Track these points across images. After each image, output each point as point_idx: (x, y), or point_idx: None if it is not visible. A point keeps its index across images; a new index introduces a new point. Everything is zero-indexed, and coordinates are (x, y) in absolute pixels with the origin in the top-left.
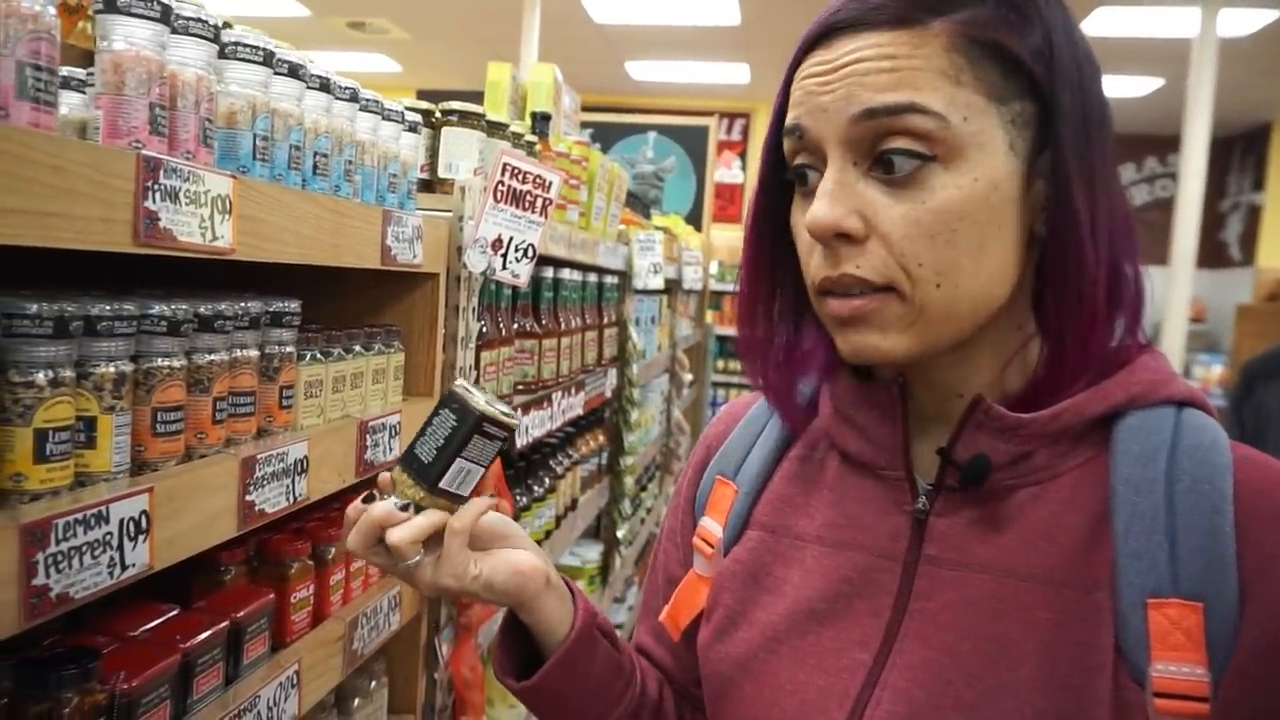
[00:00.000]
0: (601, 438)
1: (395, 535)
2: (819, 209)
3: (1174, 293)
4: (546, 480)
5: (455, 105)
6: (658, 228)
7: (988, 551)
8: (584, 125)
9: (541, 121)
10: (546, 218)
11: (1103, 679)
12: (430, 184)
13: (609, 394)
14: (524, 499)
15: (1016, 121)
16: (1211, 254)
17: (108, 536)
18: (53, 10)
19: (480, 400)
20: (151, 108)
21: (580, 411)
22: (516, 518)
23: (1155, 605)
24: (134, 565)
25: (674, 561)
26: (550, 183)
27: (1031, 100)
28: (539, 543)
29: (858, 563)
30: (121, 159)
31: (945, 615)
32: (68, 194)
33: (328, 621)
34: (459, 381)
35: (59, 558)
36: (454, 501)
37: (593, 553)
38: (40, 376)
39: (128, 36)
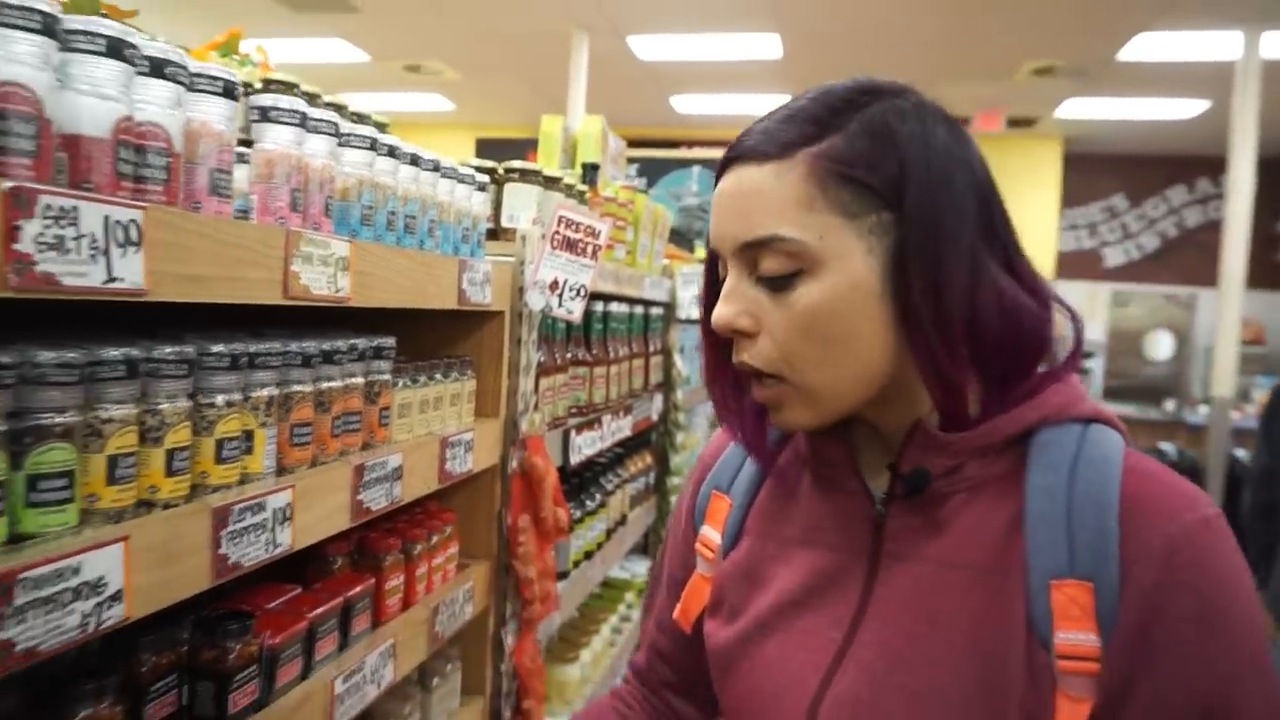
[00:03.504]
0: (649, 459)
1: None
2: (718, 310)
3: (1224, 315)
4: (598, 496)
5: (516, 164)
6: (700, 260)
7: (931, 547)
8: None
9: (591, 171)
10: (596, 261)
11: (1018, 646)
12: (495, 232)
13: (655, 418)
14: (578, 512)
15: (874, 230)
16: (1270, 275)
17: (265, 521)
18: (233, 127)
19: None
20: (292, 192)
21: (629, 433)
22: (570, 529)
23: (1057, 585)
24: (281, 544)
25: (676, 565)
26: (600, 231)
27: (890, 209)
28: (589, 554)
29: (831, 560)
30: (276, 234)
31: (900, 600)
32: (244, 263)
33: (415, 606)
34: None
35: (235, 535)
36: None
37: (641, 567)
38: (219, 399)
39: (275, 139)
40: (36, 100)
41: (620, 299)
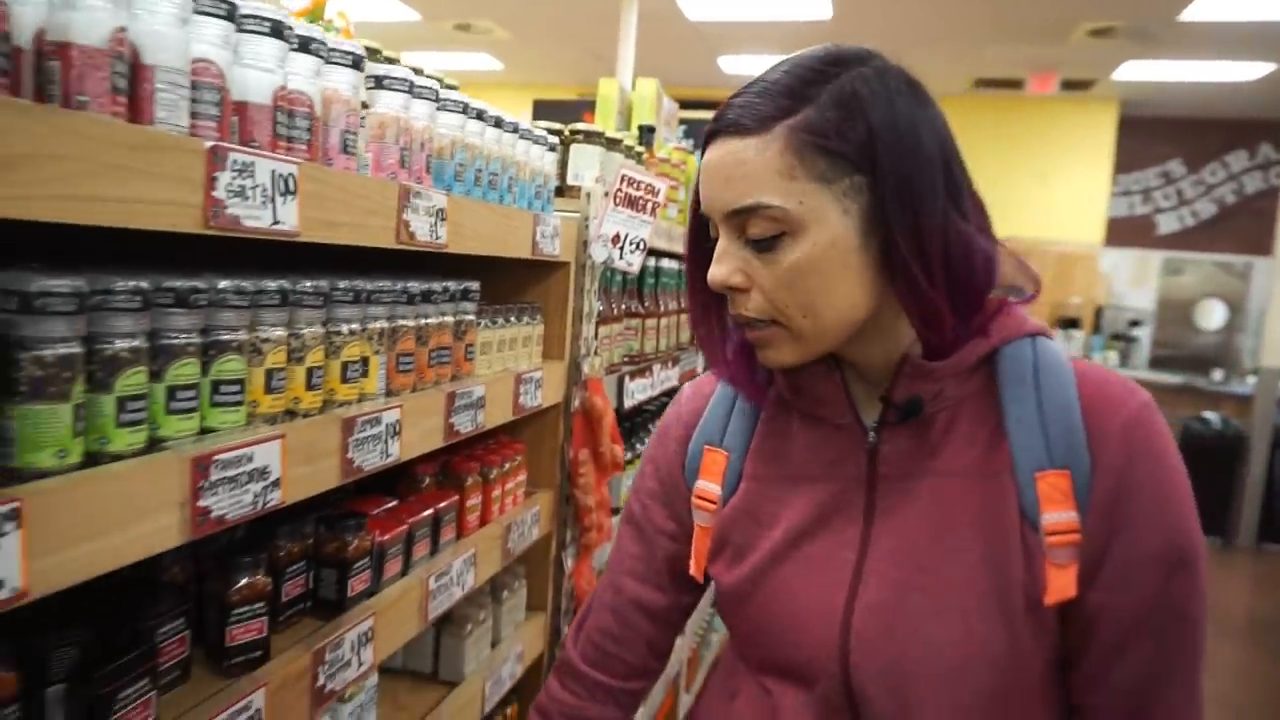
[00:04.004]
0: None
1: None
2: (714, 270)
3: (1278, 283)
4: (646, 440)
5: (580, 126)
6: None
7: (925, 463)
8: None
9: (647, 133)
10: (655, 217)
11: (1013, 533)
12: (561, 190)
13: (699, 370)
14: (628, 454)
15: (848, 193)
16: None
17: (380, 433)
18: (359, 94)
19: None
20: (400, 150)
21: (675, 383)
22: (622, 467)
23: (1040, 476)
24: (392, 454)
25: (660, 518)
26: (659, 189)
27: (862, 172)
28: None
29: (832, 490)
30: (392, 188)
31: (903, 513)
32: (368, 211)
33: (491, 524)
34: None
35: (359, 442)
36: None
37: None
38: (344, 328)
39: (387, 104)
40: (220, 73)
41: (671, 255)
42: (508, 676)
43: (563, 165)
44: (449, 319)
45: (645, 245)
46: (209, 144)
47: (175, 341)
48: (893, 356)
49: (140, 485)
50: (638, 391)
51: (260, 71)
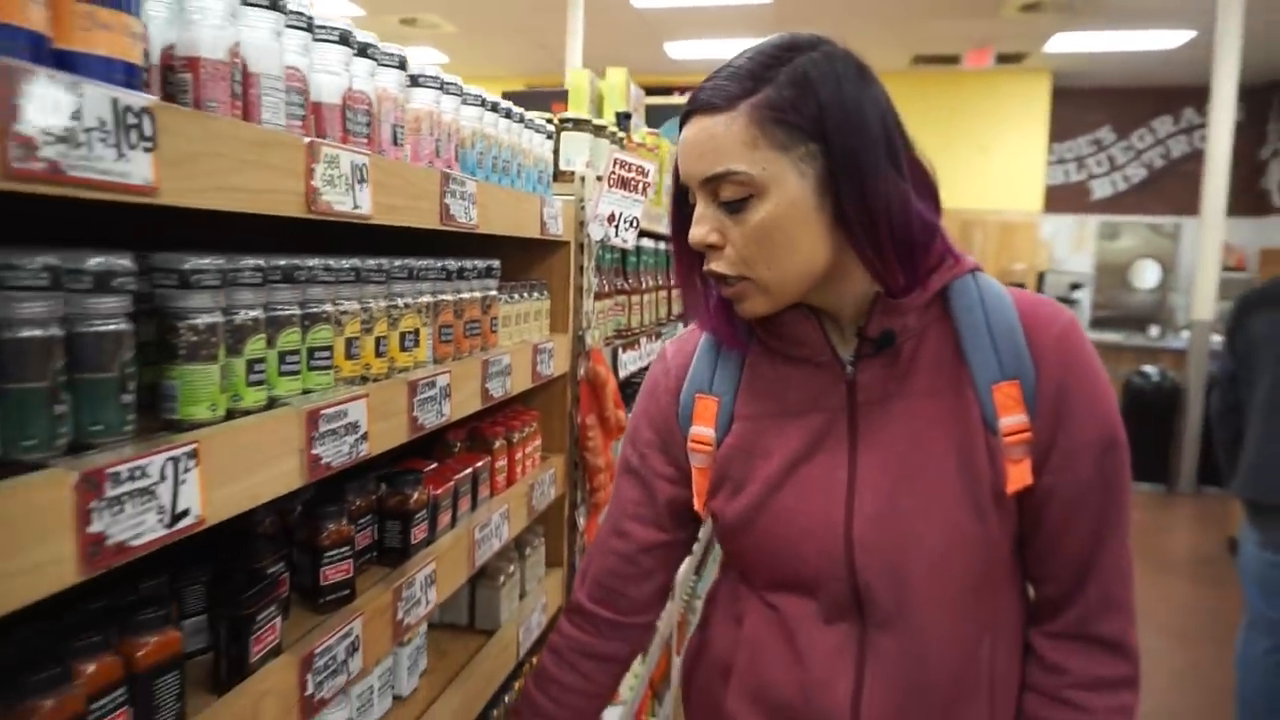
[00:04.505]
0: None
1: None
2: (693, 231)
3: (1205, 241)
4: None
5: (571, 115)
6: None
7: (898, 386)
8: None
9: (624, 119)
10: (646, 196)
11: (978, 437)
12: (556, 175)
13: None
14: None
15: (804, 159)
16: (1254, 202)
17: (435, 395)
18: (404, 93)
19: None
20: (435, 141)
21: None
22: (622, 429)
23: (996, 388)
24: (444, 415)
25: (659, 464)
26: (648, 170)
27: (815, 141)
28: None
29: (818, 420)
30: (435, 176)
31: (883, 432)
32: (418, 196)
33: (517, 483)
34: None
35: (421, 403)
36: None
37: None
38: (400, 302)
39: (421, 99)
40: (304, 78)
41: (650, 235)
42: (535, 625)
43: (555, 152)
44: (478, 294)
45: (638, 223)
46: (306, 140)
47: (283, 312)
48: (860, 300)
49: (271, 434)
50: (629, 363)
51: (332, 75)
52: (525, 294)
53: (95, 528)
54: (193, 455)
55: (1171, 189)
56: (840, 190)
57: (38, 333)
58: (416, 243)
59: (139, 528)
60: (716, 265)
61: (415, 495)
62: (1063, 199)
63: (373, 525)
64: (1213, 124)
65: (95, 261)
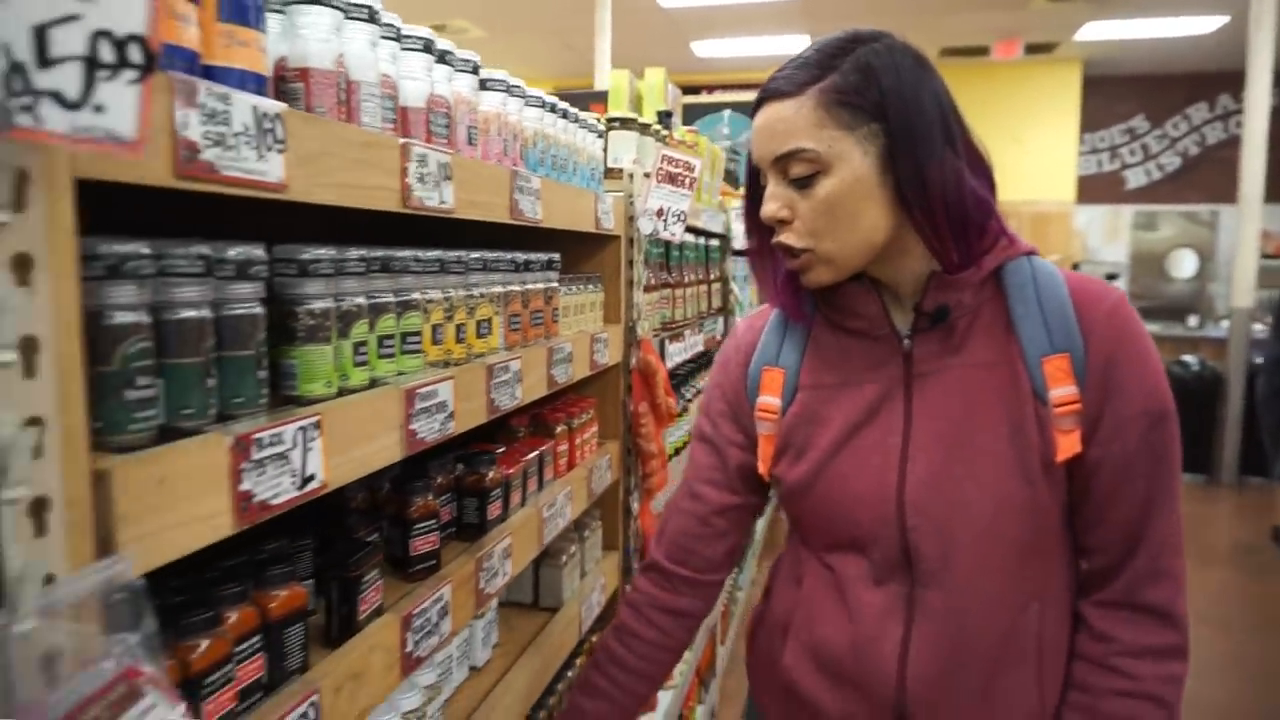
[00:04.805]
0: None
1: None
2: (765, 207)
3: (1243, 229)
4: (680, 403)
5: (618, 115)
6: None
7: (952, 358)
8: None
9: (665, 118)
10: (692, 191)
11: (1028, 407)
12: (605, 172)
13: (719, 338)
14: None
15: (868, 137)
16: None
17: (509, 379)
18: (476, 97)
19: None
20: (503, 141)
21: (702, 348)
22: (675, 417)
23: (1046, 360)
24: (517, 398)
25: (730, 431)
26: (695, 165)
27: (878, 121)
28: (678, 450)
29: (876, 390)
30: (506, 173)
31: (936, 401)
32: (492, 192)
33: (578, 467)
34: None
35: (497, 386)
36: None
37: None
38: (476, 291)
39: (489, 102)
40: (394, 84)
41: (690, 230)
42: (595, 604)
43: (604, 150)
44: (541, 286)
45: (685, 217)
46: (401, 140)
47: (381, 300)
48: (918, 275)
49: (378, 410)
50: (676, 354)
51: (417, 81)
52: (581, 286)
53: (245, 486)
54: (317, 426)
55: (1208, 176)
56: (899, 167)
57: (193, 314)
58: (476, 237)
59: (277, 488)
60: (785, 238)
61: (491, 474)
62: (1096, 189)
63: (452, 503)
64: (1249, 109)
65: (236, 251)
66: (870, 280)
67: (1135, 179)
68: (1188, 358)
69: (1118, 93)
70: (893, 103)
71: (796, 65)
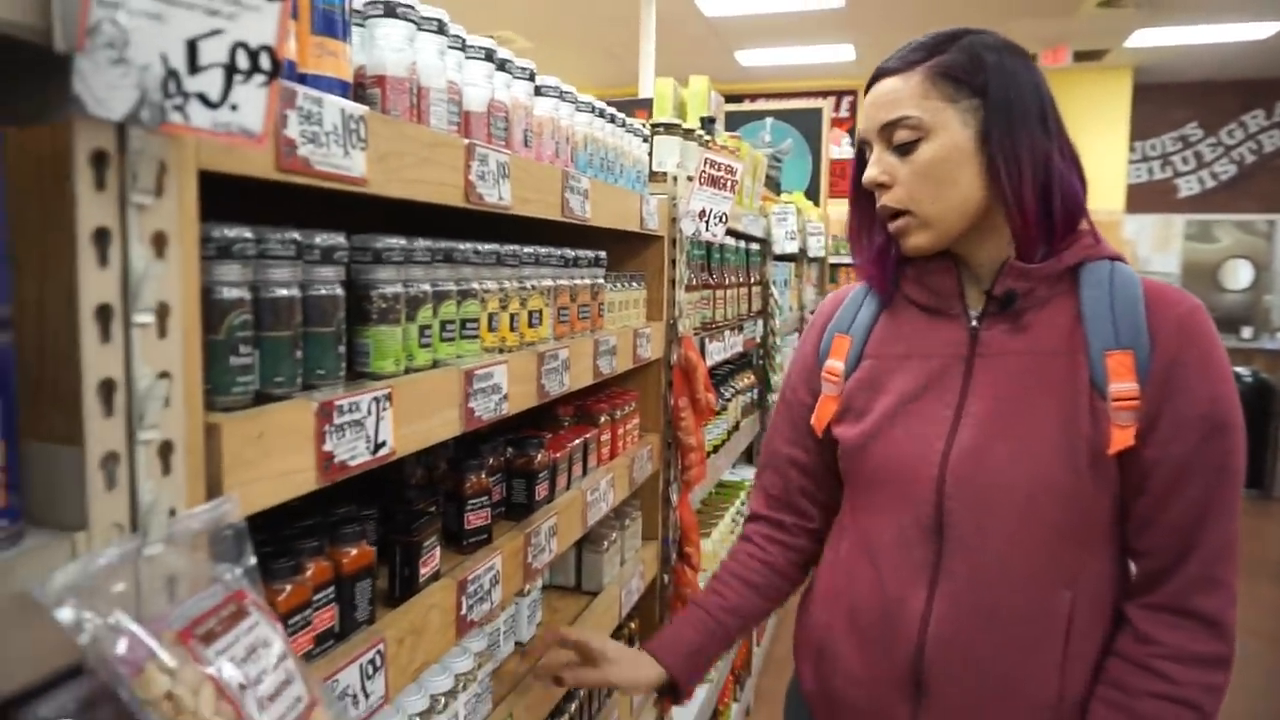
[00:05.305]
0: (752, 378)
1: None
2: (868, 172)
3: None
4: (719, 401)
5: (663, 120)
6: (785, 202)
7: (1016, 343)
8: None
9: (708, 124)
10: (733, 194)
11: (1084, 399)
12: (650, 175)
13: (758, 340)
14: (719, 403)
15: (969, 110)
16: None
17: (558, 367)
18: (531, 100)
19: None
20: (555, 144)
21: (741, 349)
22: (714, 413)
23: (1109, 354)
24: (564, 385)
25: (803, 393)
26: (736, 169)
27: (979, 97)
28: (716, 448)
29: (936, 364)
30: (557, 173)
31: (994, 381)
32: (544, 191)
33: (620, 456)
34: None
35: (547, 372)
36: None
37: (748, 472)
38: (529, 284)
39: (542, 107)
40: (459, 90)
41: (732, 233)
42: (635, 590)
43: (648, 154)
44: (588, 281)
45: (726, 219)
46: (465, 141)
47: (443, 287)
48: (997, 260)
49: (441, 387)
50: (715, 353)
51: (478, 88)
52: (626, 284)
53: (327, 447)
54: (388, 398)
55: (1264, 185)
56: (994, 141)
57: (285, 293)
58: (524, 234)
59: (354, 451)
60: (886, 199)
61: (539, 457)
62: (1146, 198)
63: (502, 483)
64: None
65: (322, 238)
66: (953, 260)
67: (1188, 187)
68: (1241, 369)
69: (1170, 100)
70: (994, 80)
71: (910, 49)
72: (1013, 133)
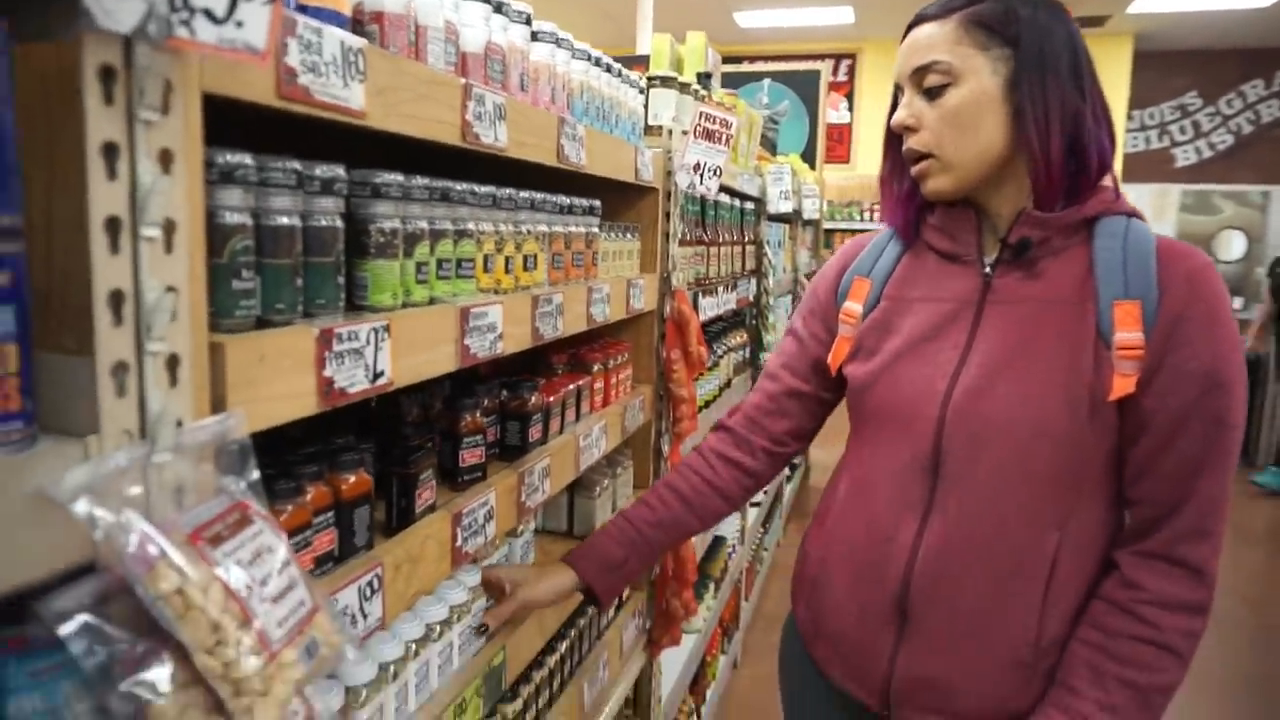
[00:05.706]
0: (744, 336)
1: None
2: (897, 114)
3: None
4: (710, 358)
5: (659, 73)
6: (780, 162)
7: (1027, 291)
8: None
9: (705, 79)
10: (728, 147)
11: (1089, 345)
12: (645, 128)
13: (751, 299)
14: (711, 357)
15: (998, 59)
16: None
17: (552, 311)
18: (528, 44)
19: None
20: (552, 90)
21: (734, 306)
22: (706, 365)
23: (1117, 304)
24: (558, 330)
25: (815, 327)
26: (731, 123)
27: (1011, 46)
28: (708, 403)
29: (948, 307)
30: (553, 119)
31: (1003, 327)
32: (540, 136)
33: (612, 404)
34: None
35: (541, 315)
36: None
37: None
38: (524, 228)
39: (539, 53)
40: (456, 31)
41: (727, 190)
42: None
43: (644, 107)
44: (583, 229)
45: (721, 172)
46: (462, 80)
47: (440, 226)
48: (1016, 209)
49: (437, 322)
50: (708, 308)
51: (475, 29)
52: (620, 234)
53: (327, 373)
54: (387, 330)
55: (1260, 156)
56: (1023, 88)
57: (286, 221)
58: (520, 183)
59: (353, 378)
60: (911, 141)
61: (533, 399)
62: (1143, 167)
63: (497, 424)
64: None
65: (322, 169)
66: (974, 209)
67: (1184, 157)
68: None
69: (1170, 67)
70: (1026, 30)
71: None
72: (1044, 84)
